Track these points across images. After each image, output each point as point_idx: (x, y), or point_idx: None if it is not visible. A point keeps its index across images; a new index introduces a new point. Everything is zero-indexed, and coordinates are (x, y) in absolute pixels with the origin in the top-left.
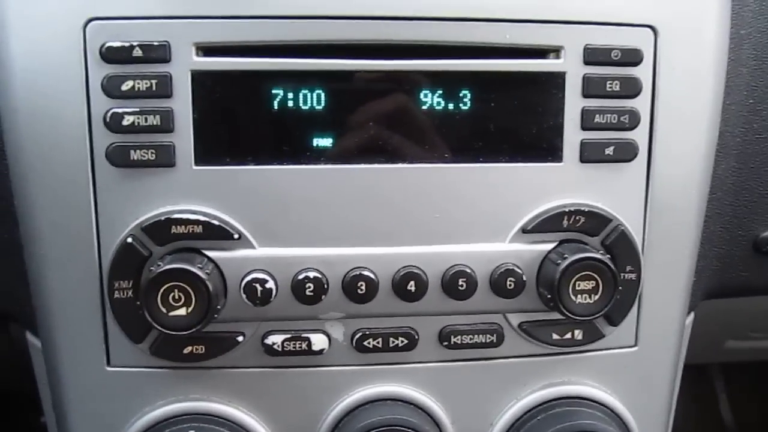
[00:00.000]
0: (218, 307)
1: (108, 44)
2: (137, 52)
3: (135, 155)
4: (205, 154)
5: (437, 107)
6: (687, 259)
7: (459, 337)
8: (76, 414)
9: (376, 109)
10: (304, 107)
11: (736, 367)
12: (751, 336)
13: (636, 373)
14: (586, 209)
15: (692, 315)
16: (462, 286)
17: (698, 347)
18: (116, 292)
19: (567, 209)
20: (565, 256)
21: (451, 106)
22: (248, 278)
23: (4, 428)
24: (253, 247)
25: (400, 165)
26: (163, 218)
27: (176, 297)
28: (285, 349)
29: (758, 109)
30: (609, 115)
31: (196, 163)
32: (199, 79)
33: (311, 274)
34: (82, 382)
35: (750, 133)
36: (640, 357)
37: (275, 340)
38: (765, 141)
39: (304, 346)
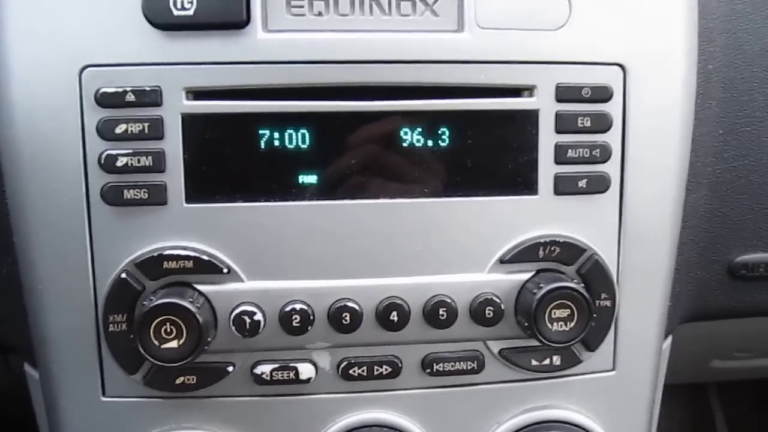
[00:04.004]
0: (209, 339)
1: (102, 90)
2: (130, 97)
3: (128, 194)
4: (196, 192)
5: (417, 144)
6: (661, 285)
7: (441, 364)
8: None
9: (359, 147)
10: (289, 146)
11: (733, 386)
12: (736, 356)
13: (615, 396)
14: (561, 240)
15: (670, 338)
16: (443, 315)
17: (686, 367)
18: (111, 325)
19: (543, 240)
20: (541, 285)
21: (430, 143)
22: (237, 311)
23: None
24: (242, 281)
25: (382, 200)
26: (155, 254)
27: (168, 330)
28: (273, 378)
29: (728, 139)
30: (581, 150)
31: (187, 200)
32: (189, 121)
33: (298, 306)
34: (78, 412)
35: (721, 162)
36: (618, 380)
37: (264, 369)
38: (736, 170)
39: (291, 375)
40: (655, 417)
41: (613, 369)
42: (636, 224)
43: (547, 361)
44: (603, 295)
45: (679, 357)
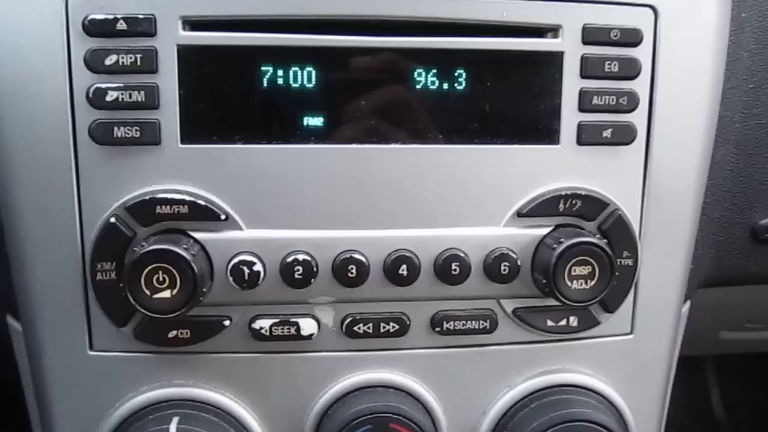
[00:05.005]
0: (204, 290)
1: (91, 17)
2: (121, 25)
3: (119, 132)
4: (192, 132)
5: (431, 87)
6: (685, 246)
7: (451, 323)
8: (58, 399)
9: (369, 88)
10: (294, 85)
11: (729, 360)
12: (747, 327)
13: (631, 362)
14: (583, 193)
15: (688, 303)
16: (455, 270)
17: (693, 338)
18: (99, 273)
19: (563, 193)
20: (561, 240)
21: (445, 85)
22: (235, 260)
23: None
24: (240, 229)
25: (392, 146)
26: (147, 198)
27: (160, 279)
28: (273, 333)
29: (758, 94)
30: (607, 97)
31: (182, 141)
32: (186, 54)
33: (300, 257)
34: (64, 367)
35: (750, 118)
36: (635, 345)
37: (263, 324)
38: (764, 127)
39: (292, 330)
40: (670, 385)
41: (630, 333)
42: (661, 179)
43: (563, 322)
44: (625, 254)
45: (689, 327)
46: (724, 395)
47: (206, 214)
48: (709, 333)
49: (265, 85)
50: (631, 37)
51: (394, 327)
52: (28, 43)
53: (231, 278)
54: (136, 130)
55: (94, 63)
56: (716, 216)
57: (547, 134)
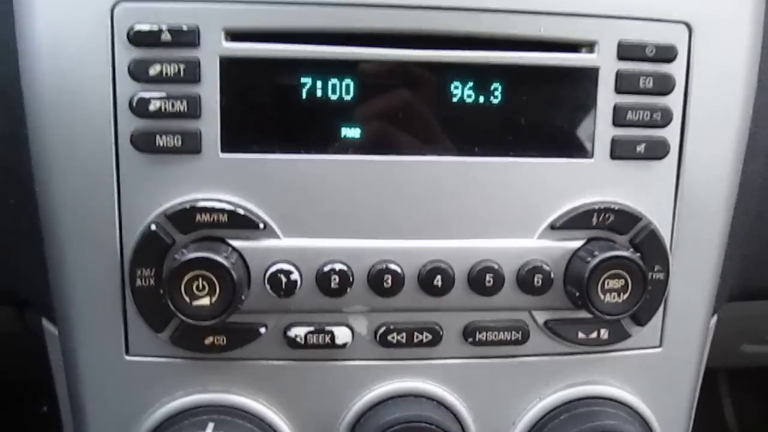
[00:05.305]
0: (242, 297)
1: (136, 27)
2: (166, 36)
3: (161, 141)
4: (232, 141)
5: (467, 100)
6: (714, 259)
7: (484, 333)
8: (92, 403)
9: (406, 100)
10: (332, 96)
11: (742, 373)
12: None
13: (660, 374)
14: (616, 207)
15: (716, 317)
16: (489, 281)
17: (714, 350)
18: (138, 279)
19: (597, 207)
20: (595, 253)
21: (481, 98)
22: (273, 269)
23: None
24: (278, 237)
25: (429, 158)
26: (187, 206)
27: (200, 286)
28: (308, 342)
29: None
30: (641, 112)
31: (223, 150)
32: (228, 64)
33: (337, 267)
34: (100, 371)
35: None
36: (664, 358)
37: (298, 332)
38: None
39: (327, 339)
40: (696, 398)
41: (659, 346)
42: (693, 194)
43: (594, 335)
44: (656, 267)
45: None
46: (736, 407)
47: (245, 223)
48: (731, 346)
49: (304, 96)
50: (666, 54)
51: (427, 337)
52: (74, 53)
53: (268, 286)
54: (178, 138)
55: (138, 72)
56: (745, 230)
57: (581, 148)
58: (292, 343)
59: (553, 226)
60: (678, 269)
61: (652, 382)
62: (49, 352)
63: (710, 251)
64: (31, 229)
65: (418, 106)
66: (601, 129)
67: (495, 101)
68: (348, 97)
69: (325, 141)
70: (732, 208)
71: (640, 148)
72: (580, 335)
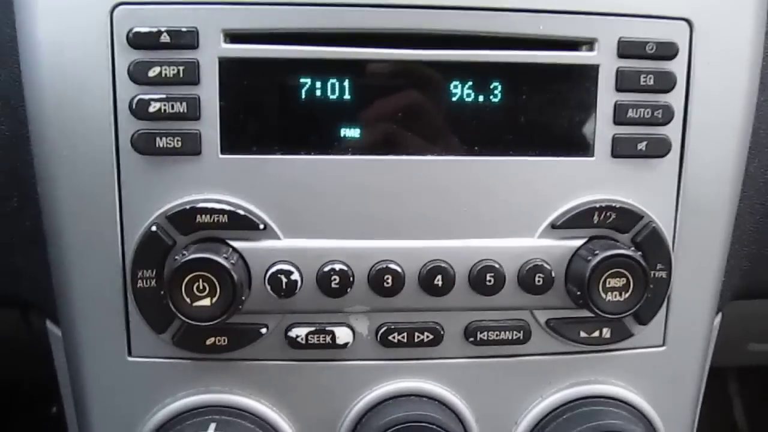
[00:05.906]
0: (243, 298)
1: (135, 29)
2: (165, 38)
3: (161, 143)
4: (232, 142)
5: (467, 99)
6: (717, 258)
7: (485, 333)
8: (96, 404)
9: (405, 100)
10: (331, 97)
11: (751, 371)
12: None
13: (663, 373)
14: (617, 205)
15: (720, 315)
16: (490, 281)
17: (720, 349)
18: (139, 281)
19: (598, 205)
20: (596, 252)
21: (481, 98)
22: (273, 269)
23: (12, 418)
24: (278, 238)
25: (428, 157)
26: (188, 207)
27: (200, 287)
28: (309, 342)
29: None
30: (642, 110)
31: (222, 151)
32: (227, 66)
33: (337, 267)
34: (103, 372)
35: None
36: (667, 357)
37: (299, 332)
38: None
39: (328, 339)
40: (700, 397)
41: (662, 345)
42: (695, 192)
43: (596, 334)
44: (659, 266)
45: (717, 337)
46: (746, 406)
47: (245, 224)
48: (737, 344)
49: (303, 96)
50: (666, 51)
51: (428, 336)
52: (74, 55)
53: (269, 287)
54: (178, 140)
55: (137, 74)
56: (749, 228)
57: (582, 147)
58: (294, 343)
59: (554, 225)
60: (681, 267)
61: (655, 381)
62: (53, 353)
63: (713, 249)
64: (33, 231)
65: (417, 105)
66: (601, 127)
67: (495, 100)
68: (347, 98)
69: (325, 141)
70: (735, 205)
71: (642, 146)
72: (582, 334)
